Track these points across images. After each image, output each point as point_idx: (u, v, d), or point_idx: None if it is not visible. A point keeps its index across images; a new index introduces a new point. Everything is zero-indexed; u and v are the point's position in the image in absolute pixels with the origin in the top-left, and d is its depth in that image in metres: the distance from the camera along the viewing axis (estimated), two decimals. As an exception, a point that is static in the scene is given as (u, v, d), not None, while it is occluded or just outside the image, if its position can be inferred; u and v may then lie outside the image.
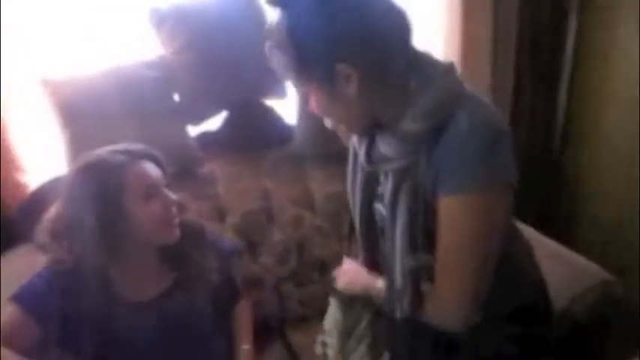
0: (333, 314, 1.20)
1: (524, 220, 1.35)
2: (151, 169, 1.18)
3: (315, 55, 0.84)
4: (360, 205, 1.06)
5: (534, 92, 2.12)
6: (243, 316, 1.42)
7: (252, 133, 1.83)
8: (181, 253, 1.24)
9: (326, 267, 1.66)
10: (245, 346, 1.35)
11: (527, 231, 1.34)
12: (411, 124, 0.86)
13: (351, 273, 1.15)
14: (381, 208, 1.01)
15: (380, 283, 1.05)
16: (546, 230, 1.61)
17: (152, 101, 1.62)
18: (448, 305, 0.90)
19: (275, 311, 1.64)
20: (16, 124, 1.61)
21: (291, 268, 1.64)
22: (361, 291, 1.11)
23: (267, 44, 0.88)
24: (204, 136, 1.83)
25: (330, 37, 0.82)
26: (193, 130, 1.79)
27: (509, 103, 2.09)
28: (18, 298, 1.14)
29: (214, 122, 1.84)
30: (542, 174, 2.19)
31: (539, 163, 2.19)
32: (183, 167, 1.68)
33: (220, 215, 1.66)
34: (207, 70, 1.71)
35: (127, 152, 1.17)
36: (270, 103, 1.86)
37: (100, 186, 1.11)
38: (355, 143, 1.01)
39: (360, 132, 0.95)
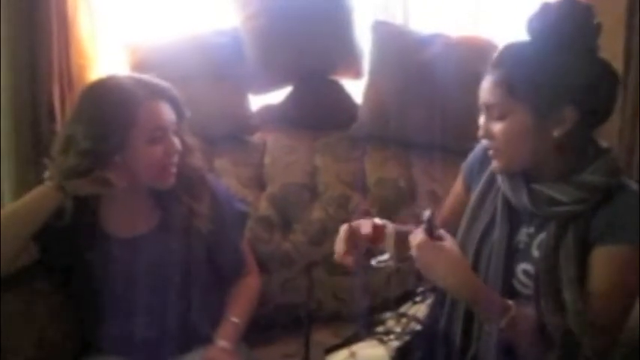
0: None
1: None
2: (165, 112, 1.13)
3: (548, 89, 0.88)
4: (505, 259, 0.98)
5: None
6: (245, 291, 1.28)
7: (316, 111, 1.67)
8: (172, 194, 1.16)
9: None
10: (234, 319, 1.20)
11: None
12: (592, 177, 0.91)
13: (453, 259, 0.92)
14: (526, 266, 0.97)
15: (515, 308, 0.90)
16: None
17: (220, 66, 1.60)
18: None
19: (303, 298, 1.44)
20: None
21: (325, 252, 1.44)
22: (468, 294, 0.92)
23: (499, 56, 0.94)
24: (265, 109, 1.72)
25: (568, 81, 0.88)
26: (257, 102, 1.71)
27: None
28: None
29: (279, 96, 1.73)
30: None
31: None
32: (234, 133, 1.61)
33: (260, 184, 1.53)
34: (276, 39, 1.62)
35: (148, 87, 1.12)
36: (341, 81, 1.72)
37: (111, 113, 1.07)
38: (506, 188, 0.97)
39: (517, 169, 0.96)
